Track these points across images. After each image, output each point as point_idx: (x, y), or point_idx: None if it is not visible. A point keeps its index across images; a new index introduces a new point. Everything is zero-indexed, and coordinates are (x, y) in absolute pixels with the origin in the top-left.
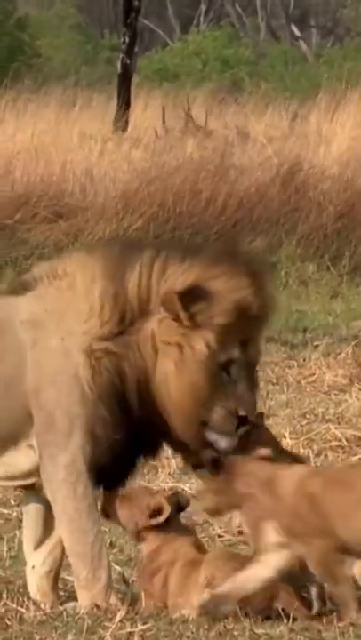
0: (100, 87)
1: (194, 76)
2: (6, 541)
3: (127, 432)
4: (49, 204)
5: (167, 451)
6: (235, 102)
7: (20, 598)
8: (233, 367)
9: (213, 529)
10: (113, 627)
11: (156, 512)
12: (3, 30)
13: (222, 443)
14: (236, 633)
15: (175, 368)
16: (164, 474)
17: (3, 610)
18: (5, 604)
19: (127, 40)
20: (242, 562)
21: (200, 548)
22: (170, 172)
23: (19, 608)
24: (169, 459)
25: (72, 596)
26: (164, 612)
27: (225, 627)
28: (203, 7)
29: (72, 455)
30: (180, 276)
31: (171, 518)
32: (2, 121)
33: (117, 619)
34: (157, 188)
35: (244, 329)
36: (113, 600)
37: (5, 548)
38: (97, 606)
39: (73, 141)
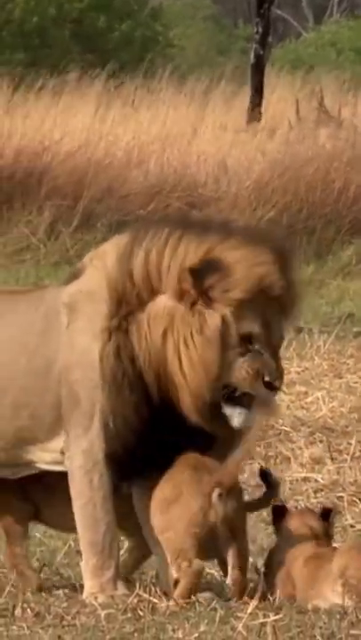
0: (233, 77)
1: (327, 66)
2: None
3: (145, 419)
4: (182, 194)
5: (300, 441)
6: None
7: (153, 589)
8: (255, 341)
9: (346, 519)
10: (245, 617)
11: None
12: (137, 21)
13: (237, 419)
14: None
15: (186, 347)
16: (296, 464)
17: (135, 600)
18: (138, 595)
19: (260, 30)
20: None
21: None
22: (303, 162)
23: (151, 598)
24: (301, 449)
25: (204, 587)
26: (296, 602)
27: (357, 617)
28: None
29: (90, 441)
30: (191, 252)
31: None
32: (136, 111)
33: (250, 609)
34: (290, 178)
35: (266, 309)
36: (121, 590)
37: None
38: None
39: (206, 132)
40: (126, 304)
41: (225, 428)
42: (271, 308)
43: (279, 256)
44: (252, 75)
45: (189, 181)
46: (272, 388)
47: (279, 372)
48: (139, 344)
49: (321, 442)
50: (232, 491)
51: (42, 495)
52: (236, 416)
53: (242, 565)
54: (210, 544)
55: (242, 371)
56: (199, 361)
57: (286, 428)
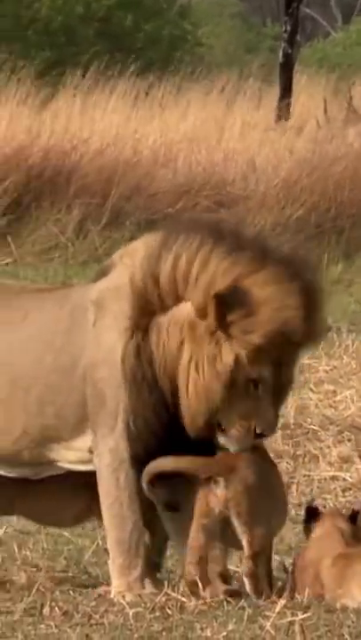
0: (261, 76)
1: (356, 65)
2: None
3: (164, 422)
4: (210, 193)
5: (328, 439)
6: None
7: (181, 588)
8: (261, 384)
9: None
10: (273, 616)
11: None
12: (165, 19)
13: (232, 448)
14: None
15: (196, 371)
16: (324, 463)
17: (163, 599)
18: (166, 594)
19: (289, 29)
20: None
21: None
22: (331, 161)
23: (179, 597)
24: (330, 447)
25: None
26: (324, 601)
27: None
28: None
29: (116, 440)
30: (220, 273)
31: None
32: (164, 109)
33: (278, 608)
34: (318, 177)
35: (282, 353)
36: (148, 589)
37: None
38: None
39: (235, 130)
40: (149, 305)
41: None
42: (287, 353)
43: (307, 298)
44: (281, 73)
45: (218, 180)
46: (262, 437)
47: (274, 422)
48: (157, 348)
49: (349, 440)
50: (232, 477)
51: (17, 486)
52: (230, 445)
53: (252, 555)
54: (223, 535)
55: (234, 430)
56: (203, 389)
57: (315, 427)
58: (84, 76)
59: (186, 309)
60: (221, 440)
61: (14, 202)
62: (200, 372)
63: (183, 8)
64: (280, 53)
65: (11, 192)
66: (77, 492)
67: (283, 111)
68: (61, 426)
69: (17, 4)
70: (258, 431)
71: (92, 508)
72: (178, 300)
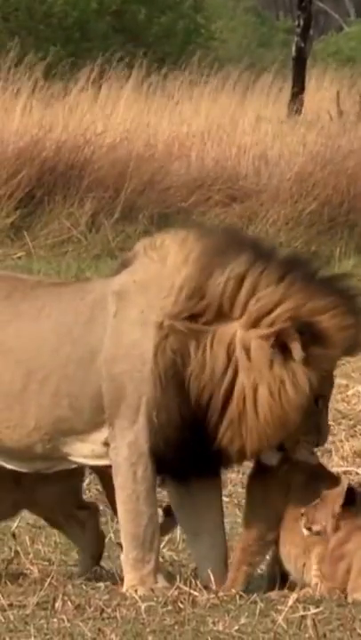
0: (274, 70)
1: None
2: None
3: (187, 421)
4: (223, 187)
5: (341, 434)
6: None
7: (193, 581)
8: (321, 400)
9: None
10: (286, 610)
11: (349, 495)
12: (179, 13)
13: (274, 460)
14: None
15: (271, 397)
16: (337, 457)
17: (176, 593)
18: (178, 588)
19: (302, 23)
20: None
21: None
22: (344, 155)
23: (191, 591)
24: (342, 442)
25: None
26: (337, 595)
27: None
28: None
29: (136, 434)
30: (272, 297)
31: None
32: (177, 104)
33: (290, 602)
34: (331, 171)
35: (335, 368)
36: (161, 583)
37: (179, 532)
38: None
39: (248, 124)
40: (189, 311)
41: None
42: (337, 362)
43: (357, 315)
44: (294, 67)
45: (230, 174)
46: (317, 446)
47: (328, 433)
48: (195, 356)
49: None
50: None
51: None
52: (273, 458)
53: None
54: None
55: (302, 449)
56: (279, 415)
57: None
58: (97, 69)
59: (232, 330)
60: (268, 454)
61: (27, 195)
62: (276, 397)
63: (197, 2)
64: (293, 47)
65: (24, 186)
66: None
67: (296, 105)
68: (76, 418)
69: None
70: (319, 445)
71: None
72: (221, 315)
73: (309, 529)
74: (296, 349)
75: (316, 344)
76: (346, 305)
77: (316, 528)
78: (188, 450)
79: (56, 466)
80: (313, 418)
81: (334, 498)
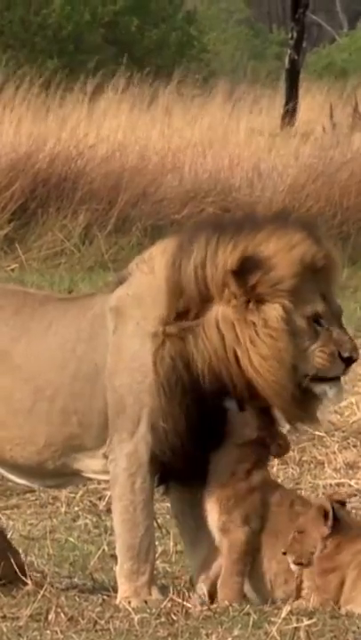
0: (267, 82)
1: None
2: (172, 537)
3: (194, 424)
4: (216, 199)
5: (334, 446)
6: None
7: (186, 593)
8: (322, 318)
9: None
10: (279, 622)
11: (327, 514)
12: (171, 25)
13: (331, 392)
14: None
15: (253, 344)
16: (330, 469)
17: (169, 605)
18: (172, 600)
19: (295, 35)
20: None
21: None
22: (337, 167)
23: (185, 603)
24: (335, 453)
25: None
26: (330, 607)
27: None
28: None
29: (135, 445)
30: (228, 255)
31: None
32: (170, 115)
33: (283, 614)
34: (324, 182)
35: (318, 284)
36: (155, 595)
37: (172, 544)
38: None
39: (240, 136)
40: (176, 311)
41: (311, 410)
42: (321, 281)
43: (308, 230)
44: (287, 79)
45: (224, 186)
46: (351, 360)
47: (353, 343)
48: (196, 351)
49: (355, 447)
50: None
51: None
52: (328, 391)
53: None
54: None
55: (319, 359)
56: (271, 354)
57: (320, 433)
58: (90, 81)
59: (215, 310)
60: (319, 390)
61: (20, 208)
62: (258, 342)
63: (190, 14)
64: (286, 59)
65: (17, 198)
66: None
67: (289, 117)
68: (85, 434)
69: (25, 10)
70: (344, 355)
71: None
72: (206, 302)
73: (300, 563)
74: (236, 291)
75: (270, 272)
76: (287, 227)
77: (306, 560)
78: (194, 455)
79: (68, 482)
80: (322, 337)
81: (315, 522)
